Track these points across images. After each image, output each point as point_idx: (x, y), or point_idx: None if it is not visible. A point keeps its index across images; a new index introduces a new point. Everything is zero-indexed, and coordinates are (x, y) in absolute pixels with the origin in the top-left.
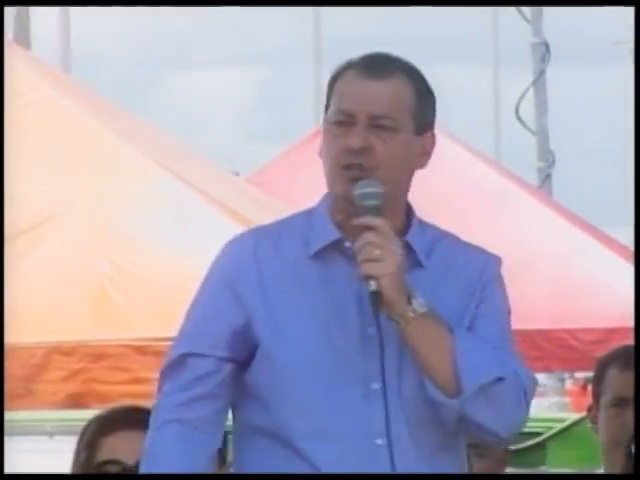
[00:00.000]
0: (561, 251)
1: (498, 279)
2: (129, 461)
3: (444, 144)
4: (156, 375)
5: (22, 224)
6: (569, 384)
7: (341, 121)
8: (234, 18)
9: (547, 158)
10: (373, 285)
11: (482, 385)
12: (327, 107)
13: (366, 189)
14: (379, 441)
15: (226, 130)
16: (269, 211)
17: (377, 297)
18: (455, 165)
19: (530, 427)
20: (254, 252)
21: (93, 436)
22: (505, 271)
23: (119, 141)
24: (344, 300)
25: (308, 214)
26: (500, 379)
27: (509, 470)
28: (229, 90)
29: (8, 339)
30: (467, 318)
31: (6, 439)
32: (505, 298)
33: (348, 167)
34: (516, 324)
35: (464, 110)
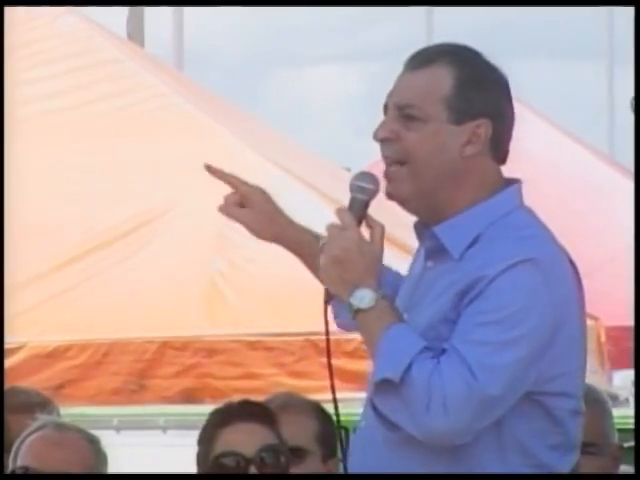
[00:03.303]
0: None
1: (506, 275)
2: (247, 452)
3: (560, 140)
4: (268, 370)
5: (135, 221)
6: None
7: (385, 114)
8: (344, 14)
9: None
10: None
11: (379, 382)
12: None
13: (358, 182)
14: (363, 423)
15: (337, 126)
16: (380, 206)
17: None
18: (569, 161)
19: None
20: None
21: (210, 428)
22: (617, 268)
23: (230, 137)
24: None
25: None
26: (396, 379)
27: (623, 468)
28: (340, 86)
29: (121, 334)
30: (452, 313)
31: (120, 433)
32: (510, 298)
33: (385, 160)
34: None
35: (578, 105)
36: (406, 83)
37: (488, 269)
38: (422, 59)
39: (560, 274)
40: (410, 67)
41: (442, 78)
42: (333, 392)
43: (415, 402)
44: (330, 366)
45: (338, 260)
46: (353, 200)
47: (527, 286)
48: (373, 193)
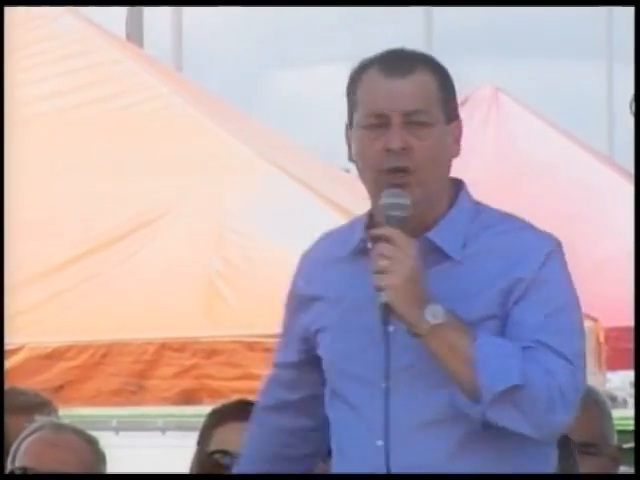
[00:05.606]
0: None
1: (547, 266)
2: (236, 451)
3: (561, 142)
4: (267, 371)
5: (134, 222)
6: None
7: (374, 124)
8: (344, 14)
9: None
10: (382, 296)
11: (501, 392)
12: (352, 111)
13: (394, 199)
14: (379, 442)
15: (336, 127)
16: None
17: (386, 308)
18: (567, 161)
19: None
20: (310, 251)
21: (205, 428)
22: (615, 269)
23: (230, 138)
24: (363, 301)
25: (358, 218)
26: (523, 384)
27: (622, 469)
28: (339, 86)
29: (120, 335)
30: (499, 309)
31: (119, 434)
32: (560, 286)
33: (391, 172)
34: None
35: (577, 106)
36: (404, 90)
37: (526, 264)
38: (404, 66)
39: None
40: (395, 74)
41: (430, 83)
42: None
43: (537, 403)
44: None
45: (411, 279)
46: (391, 218)
47: (565, 270)
48: (409, 208)
